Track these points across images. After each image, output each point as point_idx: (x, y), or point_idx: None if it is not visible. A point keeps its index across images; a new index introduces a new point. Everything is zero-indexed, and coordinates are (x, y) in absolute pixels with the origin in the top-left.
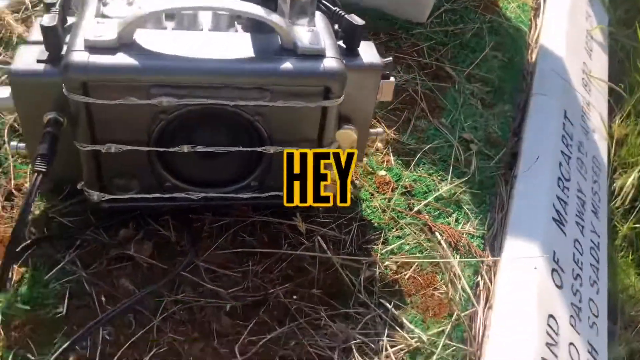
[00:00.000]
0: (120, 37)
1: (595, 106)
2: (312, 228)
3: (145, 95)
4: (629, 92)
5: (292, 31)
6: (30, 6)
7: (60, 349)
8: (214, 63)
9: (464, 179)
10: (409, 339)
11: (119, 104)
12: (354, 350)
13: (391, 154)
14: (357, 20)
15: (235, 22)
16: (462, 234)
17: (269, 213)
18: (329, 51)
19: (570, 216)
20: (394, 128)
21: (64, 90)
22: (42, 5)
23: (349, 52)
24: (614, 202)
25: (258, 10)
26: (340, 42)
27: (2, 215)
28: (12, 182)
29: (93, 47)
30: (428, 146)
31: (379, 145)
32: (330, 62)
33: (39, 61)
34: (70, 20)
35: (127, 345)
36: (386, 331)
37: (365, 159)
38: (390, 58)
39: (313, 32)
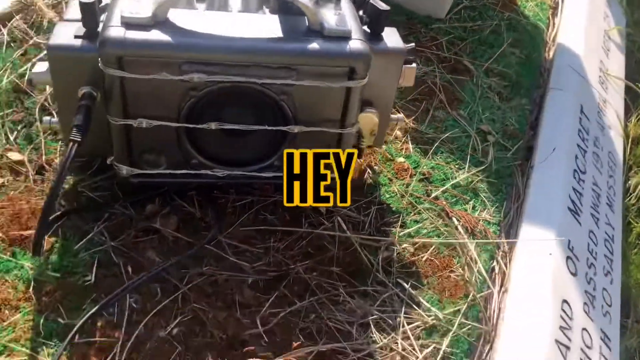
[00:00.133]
0: (155, 15)
1: (611, 104)
2: (332, 209)
3: (177, 72)
4: None
5: (319, 13)
6: None
7: (89, 314)
8: (244, 42)
9: (481, 168)
10: (425, 316)
11: (151, 79)
12: (372, 326)
13: (410, 142)
14: (382, 5)
15: (264, 5)
16: (479, 220)
17: None
18: (355, 34)
19: (586, 207)
20: (413, 117)
21: (100, 64)
22: None
23: (373, 36)
24: (628, 199)
25: None
26: (365, 27)
27: (34, 188)
28: (44, 157)
29: (129, 24)
30: (446, 135)
31: (398, 133)
32: (356, 43)
33: (76, 37)
34: (105, 0)
35: (153, 312)
36: (403, 309)
37: (384, 146)
38: (413, 44)
39: (339, 15)
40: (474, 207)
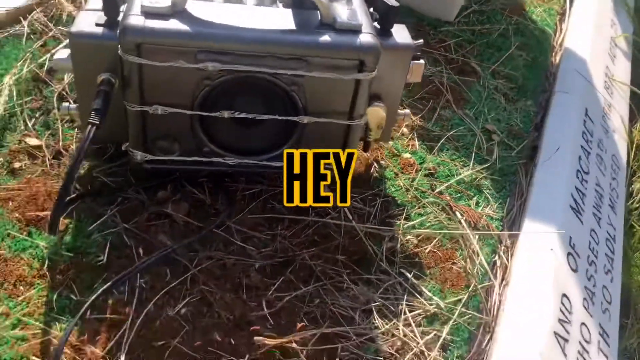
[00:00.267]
0: (173, 5)
1: (616, 108)
2: None
3: (193, 60)
4: None
5: (331, 7)
6: None
7: (101, 290)
8: (258, 33)
9: (486, 166)
10: (427, 305)
11: (168, 67)
12: (374, 312)
13: (416, 139)
14: (392, 1)
15: (278, 0)
16: (482, 215)
17: None
18: (365, 28)
19: (588, 207)
20: (420, 115)
21: (119, 51)
22: None
23: (383, 32)
24: (631, 202)
25: None
26: (375, 24)
27: (50, 172)
28: (60, 143)
29: (148, 13)
30: (451, 133)
31: (405, 130)
32: (366, 37)
33: (97, 25)
34: None
35: (162, 292)
36: (405, 297)
37: (391, 142)
38: (421, 40)
39: (351, 10)
40: (477, 203)
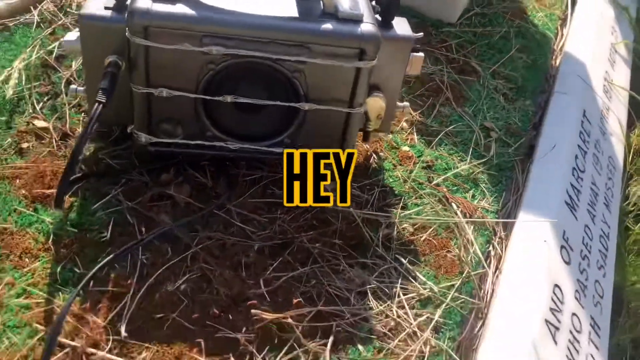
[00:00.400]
0: None
1: (614, 112)
2: None
3: (198, 44)
4: None
5: None
6: None
7: (103, 262)
8: (262, 19)
9: (483, 161)
10: (420, 288)
11: (174, 50)
12: (369, 294)
13: (415, 133)
14: None
15: None
16: (477, 207)
17: None
18: (366, 18)
19: (583, 204)
20: (419, 111)
21: (127, 34)
22: None
23: (384, 24)
24: (627, 203)
25: None
26: (377, 16)
27: (57, 153)
28: (67, 125)
29: None
30: (450, 129)
31: (404, 124)
32: (367, 26)
33: (106, 8)
34: None
35: (163, 268)
36: (400, 281)
37: (390, 135)
38: (421, 34)
39: (353, 0)
40: (473, 196)
